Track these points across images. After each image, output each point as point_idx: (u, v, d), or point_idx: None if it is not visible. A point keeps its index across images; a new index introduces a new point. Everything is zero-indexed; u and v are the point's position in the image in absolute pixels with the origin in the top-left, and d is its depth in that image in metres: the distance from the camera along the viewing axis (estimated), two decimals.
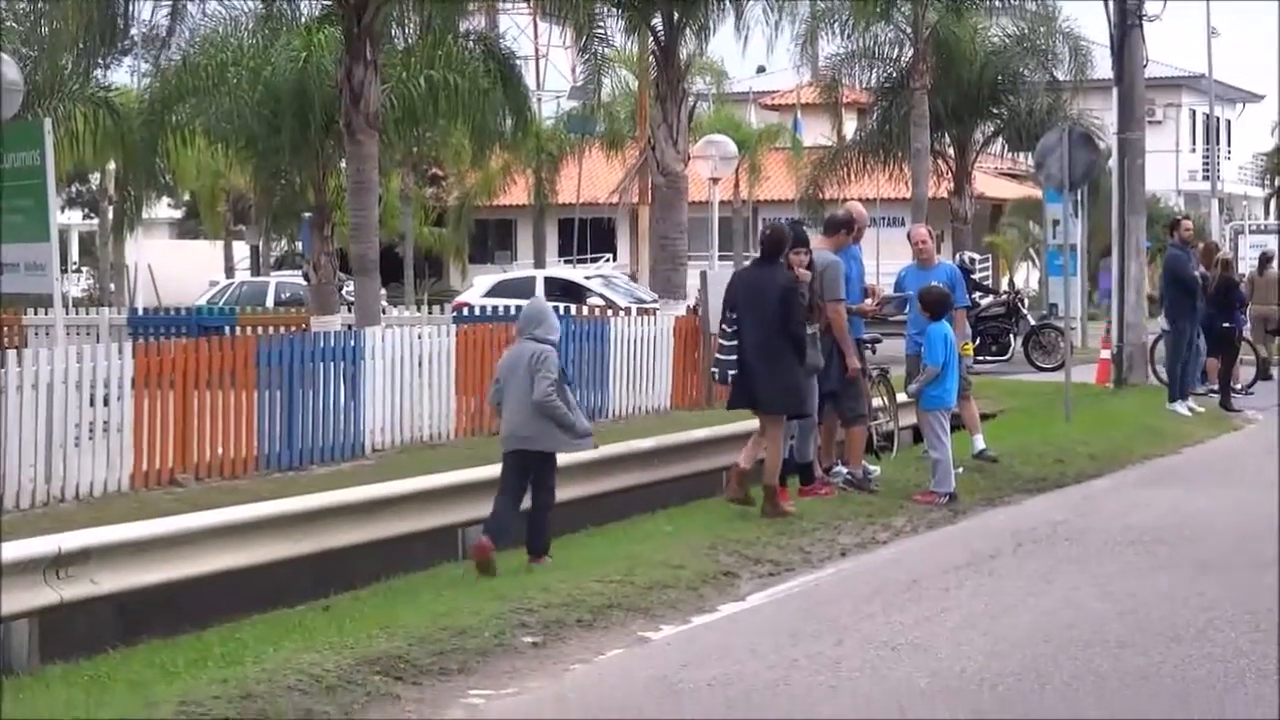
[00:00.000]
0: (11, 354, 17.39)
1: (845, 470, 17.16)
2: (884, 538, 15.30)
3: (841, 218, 17.72)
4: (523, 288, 39.27)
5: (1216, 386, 26.59)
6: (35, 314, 29.96)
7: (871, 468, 17.77)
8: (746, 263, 22.99)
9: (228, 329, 27.83)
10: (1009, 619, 11.68)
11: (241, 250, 62.23)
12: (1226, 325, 26.18)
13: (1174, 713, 9.19)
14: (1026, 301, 39.18)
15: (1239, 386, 27.42)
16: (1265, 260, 33.64)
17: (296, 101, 27.69)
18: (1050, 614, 11.83)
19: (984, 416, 20.80)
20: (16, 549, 11.74)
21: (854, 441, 17.26)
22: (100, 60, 33.33)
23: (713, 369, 16.37)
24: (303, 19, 29.60)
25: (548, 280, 40.74)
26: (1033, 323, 35.98)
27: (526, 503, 13.77)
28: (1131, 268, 28.93)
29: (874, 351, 18.83)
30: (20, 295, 23.82)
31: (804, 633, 11.28)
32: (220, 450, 18.91)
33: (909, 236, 18.92)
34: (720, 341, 15.91)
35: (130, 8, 29.24)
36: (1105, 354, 29.88)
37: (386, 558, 14.50)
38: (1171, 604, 12.05)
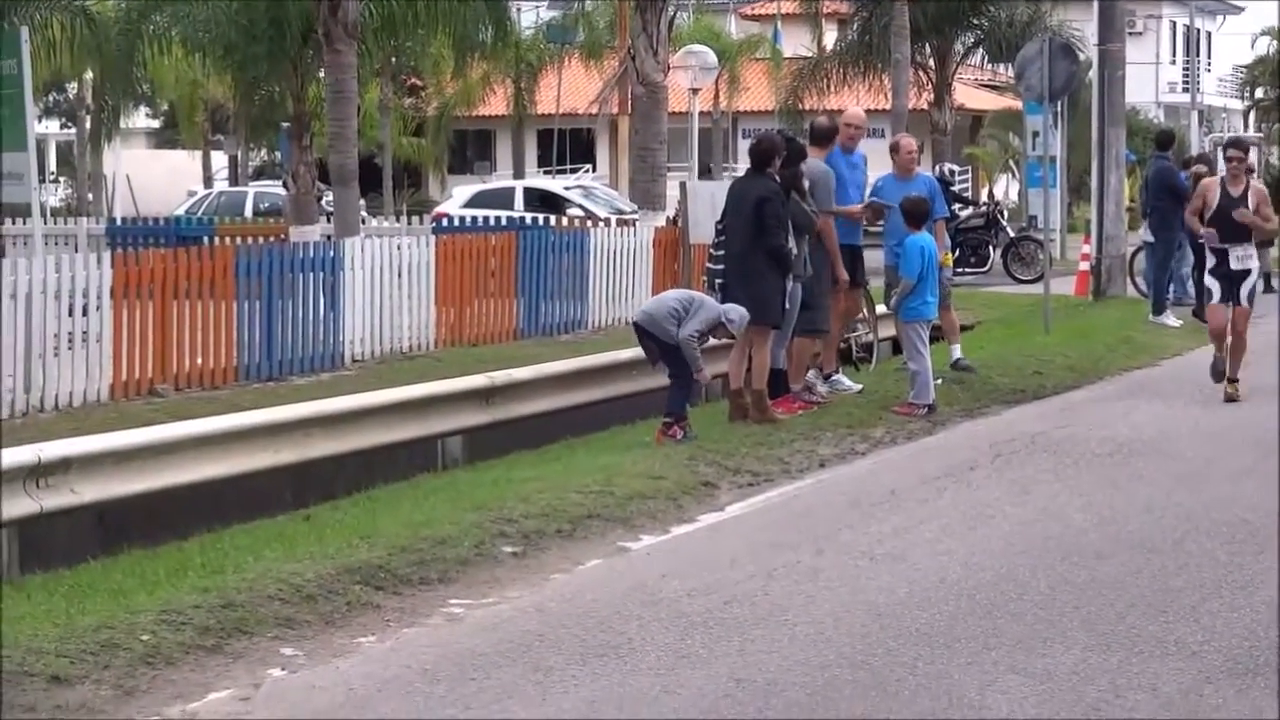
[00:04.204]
0: None
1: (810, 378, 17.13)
2: (863, 449, 15.33)
3: (827, 125, 17.72)
4: (502, 198, 39.26)
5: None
6: (13, 224, 29.84)
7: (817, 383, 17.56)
8: (726, 174, 22.93)
9: (206, 239, 27.75)
10: (987, 529, 11.73)
11: (220, 160, 62.02)
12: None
13: (1150, 623, 9.23)
14: (1006, 213, 39.18)
15: None
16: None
17: (272, 10, 27.52)
18: (1028, 525, 11.88)
19: (963, 328, 20.82)
20: None
21: (800, 354, 17.06)
22: None
23: (703, 277, 16.73)
24: None
25: (527, 191, 40.72)
26: (1011, 235, 35.98)
27: None
28: (1111, 180, 28.94)
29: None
30: None
31: (783, 543, 11.33)
32: (199, 360, 18.92)
33: (896, 146, 18.80)
34: (710, 250, 16.18)
35: None
36: (1084, 266, 29.89)
37: (366, 468, 14.54)
38: (1149, 515, 12.11)
